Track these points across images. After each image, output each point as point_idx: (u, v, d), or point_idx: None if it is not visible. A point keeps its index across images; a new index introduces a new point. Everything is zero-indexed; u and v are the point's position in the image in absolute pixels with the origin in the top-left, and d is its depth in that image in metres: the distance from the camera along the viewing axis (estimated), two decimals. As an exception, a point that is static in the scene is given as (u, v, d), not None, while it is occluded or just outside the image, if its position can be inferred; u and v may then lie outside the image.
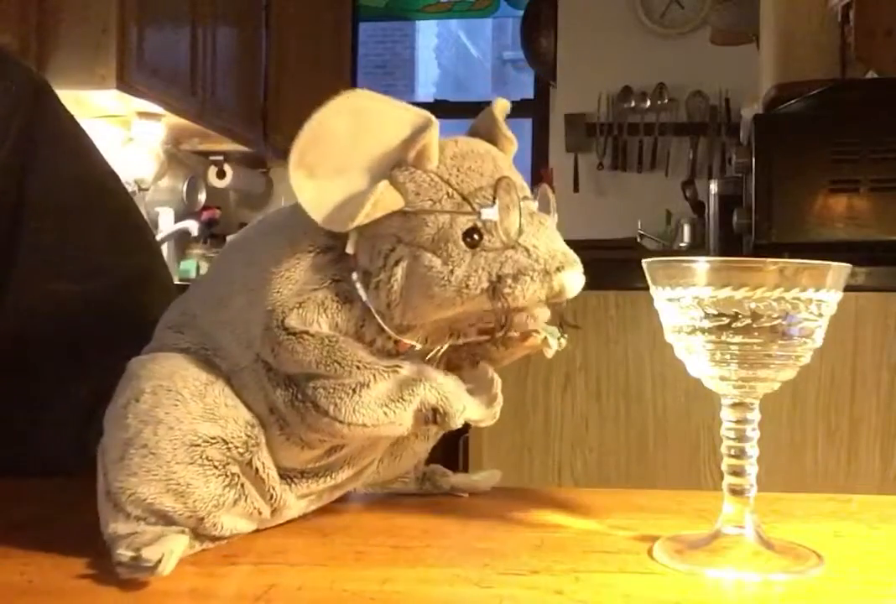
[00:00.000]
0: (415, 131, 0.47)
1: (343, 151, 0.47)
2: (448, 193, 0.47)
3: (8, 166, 0.78)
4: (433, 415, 0.48)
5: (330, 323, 0.48)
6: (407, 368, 0.48)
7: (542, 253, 0.46)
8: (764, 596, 0.47)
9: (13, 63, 0.84)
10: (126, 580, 0.46)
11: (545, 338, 0.51)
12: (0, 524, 0.55)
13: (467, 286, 0.45)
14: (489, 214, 0.46)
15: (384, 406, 0.47)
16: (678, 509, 0.61)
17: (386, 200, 0.46)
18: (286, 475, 0.52)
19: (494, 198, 0.46)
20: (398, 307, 0.47)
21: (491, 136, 0.50)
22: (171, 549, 0.46)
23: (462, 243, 0.46)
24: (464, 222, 0.46)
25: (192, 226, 3.47)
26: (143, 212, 0.94)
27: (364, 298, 0.47)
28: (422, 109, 0.48)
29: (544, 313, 0.48)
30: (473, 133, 0.51)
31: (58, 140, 0.82)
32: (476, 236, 0.46)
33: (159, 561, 0.45)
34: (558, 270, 0.46)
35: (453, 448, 1.68)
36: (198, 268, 3.71)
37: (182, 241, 3.76)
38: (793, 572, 0.48)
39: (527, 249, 0.46)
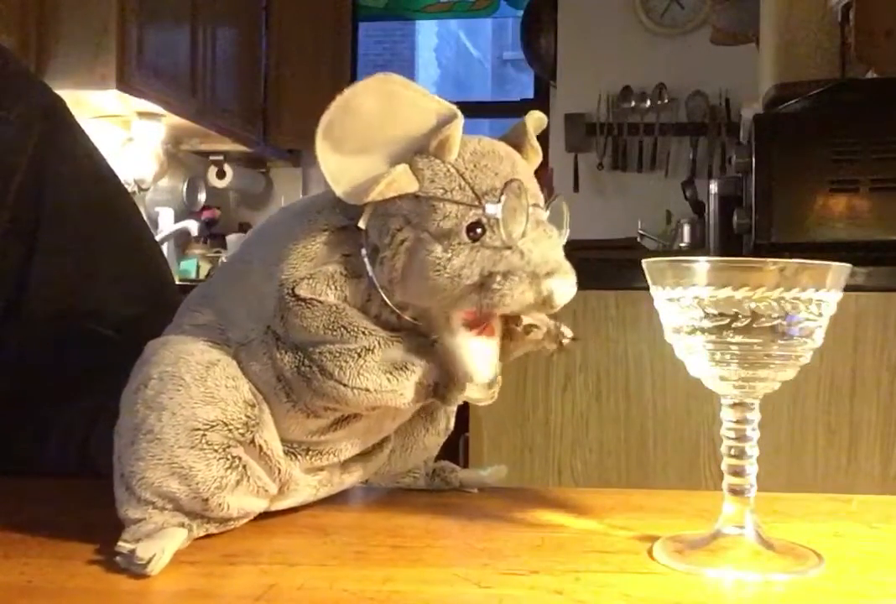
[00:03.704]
0: (441, 122, 0.49)
1: (369, 131, 0.49)
2: (460, 185, 0.48)
3: (23, 193, 0.78)
4: (434, 388, 0.50)
5: (338, 295, 0.50)
6: (411, 340, 0.50)
7: (536, 257, 0.47)
8: (764, 596, 0.47)
9: (29, 85, 0.83)
10: (125, 580, 0.46)
11: (547, 332, 0.52)
12: (0, 524, 0.55)
13: (459, 276, 0.47)
14: (493, 210, 0.47)
15: (387, 373, 0.49)
16: (678, 509, 0.61)
17: (401, 181, 0.48)
18: (290, 451, 0.54)
19: (501, 197, 0.47)
20: (398, 285, 0.49)
21: (518, 145, 0.52)
22: (164, 547, 0.48)
23: (464, 235, 0.47)
24: (470, 215, 0.48)
25: (192, 226, 3.48)
26: (143, 212, 0.94)
27: (370, 272, 0.49)
28: (449, 103, 0.50)
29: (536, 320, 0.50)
30: (503, 139, 0.52)
31: (70, 164, 0.82)
32: (479, 230, 0.47)
33: (150, 560, 0.47)
34: (548, 275, 0.47)
35: (453, 448, 1.68)
36: (198, 268, 3.71)
37: (182, 241, 3.76)
38: (793, 572, 0.48)
39: (522, 252, 0.47)
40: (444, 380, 0.50)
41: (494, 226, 0.47)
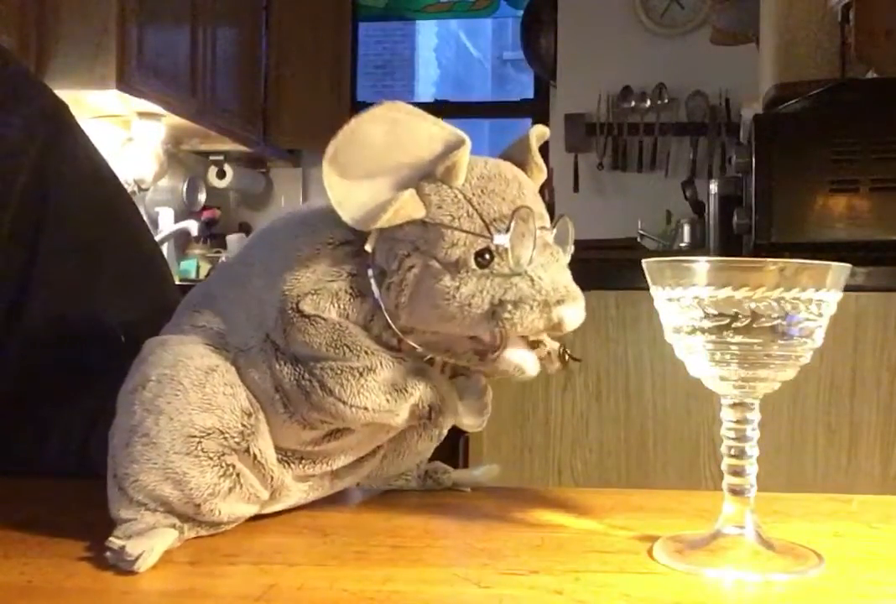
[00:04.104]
0: (447, 148, 0.49)
1: (375, 158, 0.49)
2: (468, 212, 0.48)
3: (26, 195, 0.78)
4: (428, 412, 0.50)
5: (340, 313, 0.50)
6: (410, 363, 0.50)
7: (546, 284, 0.47)
8: (764, 596, 0.47)
9: (30, 86, 0.83)
10: (125, 580, 0.46)
11: (549, 352, 0.52)
12: (0, 524, 0.55)
13: (469, 305, 0.47)
14: (502, 240, 0.47)
15: (387, 393, 0.49)
16: (678, 509, 0.61)
17: (408, 207, 0.48)
18: (284, 459, 0.54)
19: (510, 225, 0.47)
20: (405, 310, 0.49)
21: (522, 161, 0.52)
22: (153, 546, 0.48)
23: (473, 263, 0.47)
24: (478, 243, 0.48)
25: (192, 226, 3.47)
26: (143, 212, 0.94)
27: (377, 294, 0.50)
28: (456, 129, 0.50)
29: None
30: (506, 155, 0.52)
31: (71, 166, 0.82)
32: (487, 257, 0.47)
33: (139, 557, 0.47)
34: (559, 302, 0.47)
35: (453, 448, 1.68)
36: (198, 268, 3.71)
37: (182, 241, 3.76)
38: (793, 572, 0.48)
39: (532, 279, 0.47)
40: (437, 405, 0.50)
41: (503, 253, 0.47)
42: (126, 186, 0.93)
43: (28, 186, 0.78)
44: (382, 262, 0.50)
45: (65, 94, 0.85)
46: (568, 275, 0.49)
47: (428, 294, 0.48)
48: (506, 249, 0.47)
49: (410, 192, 0.48)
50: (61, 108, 0.84)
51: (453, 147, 0.48)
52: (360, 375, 0.49)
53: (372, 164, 0.49)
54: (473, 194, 0.48)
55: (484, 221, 0.48)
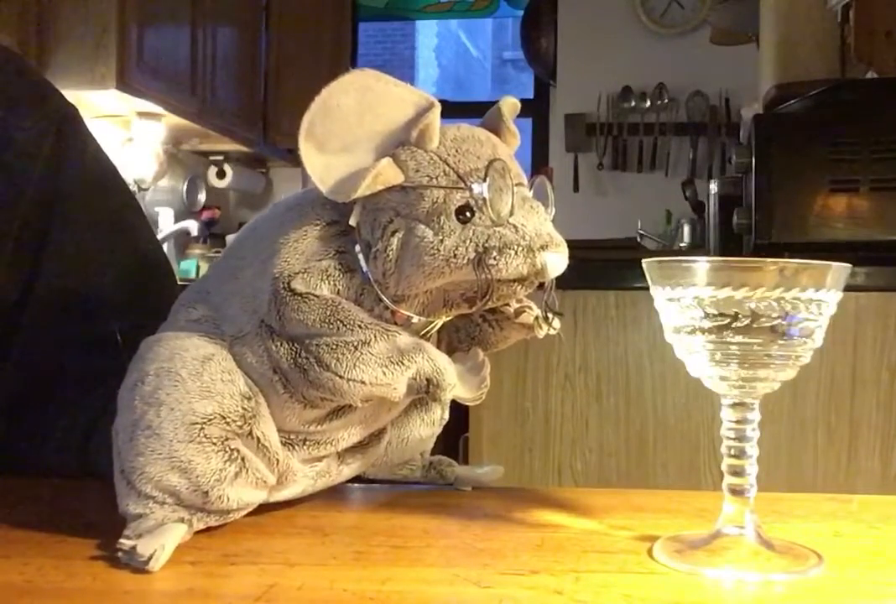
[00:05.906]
0: (418, 112, 0.50)
1: (350, 128, 0.50)
2: (445, 171, 0.49)
3: (36, 200, 0.77)
4: (426, 385, 0.50)
5: (332, 290, 0.50)
6: (405, 336, 0.50)
7: (529, 231, 0.48)
8: (764, 596, 0.47)
9: (41, 89, 0.83)
10: (125, 580, 0.46)
11: (537, 316, 0.54)
12: (0, 524, 0.55)
13: (455, 256, 0.48)
14: (479, 189, 0.48)
15: (383, 366, 0.49)
16: (678, 509, 0.61)
17: (387, 174, 0.48)
18: (288, 442, 0.54)
19: (486, 176, 0.48)
20: (393, 276, 0.49)
21: (495, 128, 0.53)
22: (164, 544, 0.48)
23: (454, 218, 0.48)
24: (457, 199, 0.48)
25: (192, 226, 3.48)
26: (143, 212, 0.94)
27: (364, 268, 0.50)
28: (425, 92, 0.51)
29: (526, 289, 0.51)
30: (481, 125, 0.53)
31: (80, 172, 0.82)
32: (468, 213, 0.48)
33: (151, 556, 0.47)
34: (542, 248, 0.48)
35: (453, 448, 1.68)
36: (198, 268, 3.71)
37: (182, 241, 3.76)
38: (793, 572, 0.48)
39: (515, 227, 0.48)
40: (435, 378, 0.50)
41: (483, 206, 0.48)
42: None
43: (37, 190, 0.78)
44: (367, 234, 0.50)
45: (65, 94, 0.85)
46: (550, 225, 0.50)
47: (413, 253, 0.48)
48: (484, 200, 0.48)
49: (387, 159, 0.49)
50: (72, 112, 0.84)
51: (424, 111, 0.49)
52: (356, 348, 0.49)
53: (347, 134, 0.50)
54: (449, 155, 0.49)
55: (461, 177, 0.49)
